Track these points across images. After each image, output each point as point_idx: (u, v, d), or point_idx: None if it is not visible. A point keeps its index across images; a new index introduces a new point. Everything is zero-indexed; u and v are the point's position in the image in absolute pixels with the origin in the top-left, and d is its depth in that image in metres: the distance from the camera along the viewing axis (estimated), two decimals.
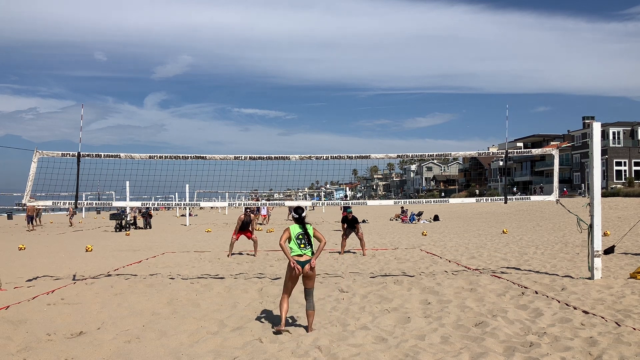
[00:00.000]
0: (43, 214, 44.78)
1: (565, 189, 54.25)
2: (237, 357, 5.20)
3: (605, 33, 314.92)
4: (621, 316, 6.39)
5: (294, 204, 14.29)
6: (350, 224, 14.64)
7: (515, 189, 64.62)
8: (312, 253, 6.01)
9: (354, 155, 10.46)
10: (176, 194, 30.43)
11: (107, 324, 6.52)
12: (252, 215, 14.52)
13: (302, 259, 5.95)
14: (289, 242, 6.00)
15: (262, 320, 6.69)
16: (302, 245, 5.96)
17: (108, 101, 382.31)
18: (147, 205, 26.10)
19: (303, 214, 6.04)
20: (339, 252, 14.51)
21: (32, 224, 28.44)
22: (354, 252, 14.69)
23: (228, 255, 13.94)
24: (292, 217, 6.14)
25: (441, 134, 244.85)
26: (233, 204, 13.63)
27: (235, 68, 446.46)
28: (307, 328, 6.09)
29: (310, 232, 6.01)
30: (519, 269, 10.64)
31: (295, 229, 6.02)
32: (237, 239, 14.17)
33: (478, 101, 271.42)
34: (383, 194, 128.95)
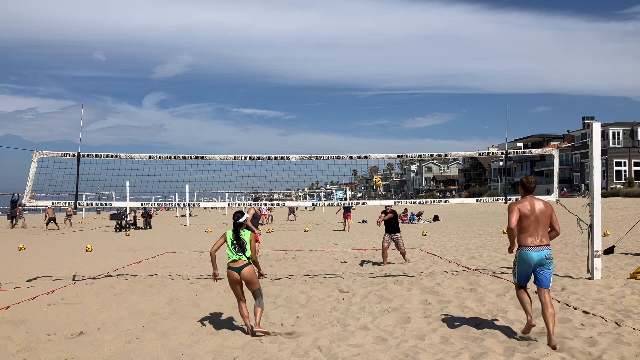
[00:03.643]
0: (40, 214, 44.84)
1: (565, 189, 54.25)
2: (237, 357, 5.20)
3: (605, 33, 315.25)
4: (621, 316, 6.39)
5: (294, 204, 14.24)
6: (392, 224, 11.96)
7: None
8: (248, 258, 5.91)
9: (354, 155, 10.47)
10: (176, 194, 30.44)
11: (107, 324, 6.52)
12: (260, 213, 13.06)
13: (237, 265, 5.87)
14: (226, 248, 5.97)
15: (262, 320, 6.67)
16: (236, 249, 5.90)
17: (107, 101, 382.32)
18: (146, 206, 26.18)
19: (239, 220, 5.97)
20: (382, 263, 11.88)
21: (48, 226, 28.93)
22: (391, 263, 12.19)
23: None
24: (233, 222, 6.04)
25: (441, 134, 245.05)
26: (233, 204, 13.62)
27: (235, 68, 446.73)
28: (253, 326, 5.90)
29: (247, 238, 5.94)
30: None
31: (230, 234, 5.97)
32: None
33: (478, 101, 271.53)
34: (383, 194, 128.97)
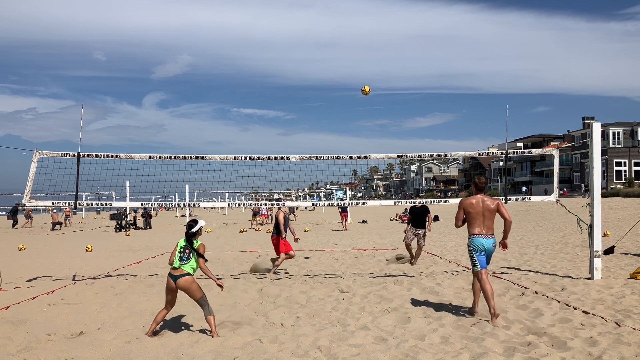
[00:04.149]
0: (43, 214, 44.92)
1: (565, 189, 54.26)
2: (237, 357, 5.20)
3: (605, 33, 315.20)
4: (621, 316, 6.39)
5: (294, 204, 14.19)
6: (419, 218, 11.58)
7: (524, 189, 64.47)
8: (193, 269, 5.85)
9: (354, 155, 10.47)
10: (176, 194, 30.43)
11: (107, 324, 6.52)
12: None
13: (176, 273, 5.81)
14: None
15: (262, 320, 6.68)
16: (182, 258, 5.83)
17: (107, 101, 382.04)
18: (146, 206, 26.24)
19: (191, 230, 5.89)
20: (410, 262, 11.62)
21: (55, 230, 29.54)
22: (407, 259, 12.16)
23: (273, 272, 10.52)
24: (185, 231, 5.98)
25: (441, 134, 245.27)
26: (233, 204, 13.60)
27: (235, 68, 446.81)
28: (211, 333, 5.90)
29: (195, 247, 5.87)
30: (519, 269, 10.64)
31: (181, 243, 5.93)
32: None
33: (478, 101, 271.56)
34: (383, 194, 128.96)
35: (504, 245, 6.74)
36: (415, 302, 7.55)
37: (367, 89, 10.08)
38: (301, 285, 9.03)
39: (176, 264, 5.83)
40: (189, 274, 5.83)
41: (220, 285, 5.98)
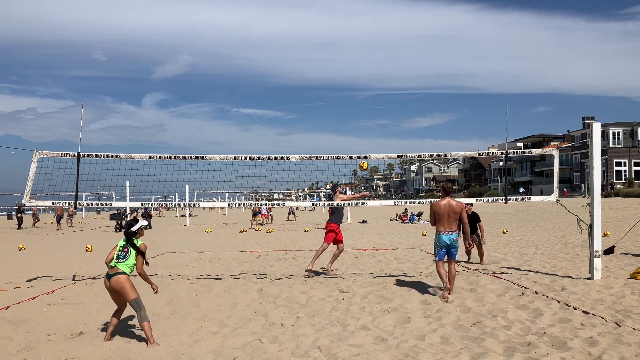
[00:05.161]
0: (43, 214, 44.92)
1: (565, 189, 54.25)
2: (237, 357, 5.20)
3: (604, 33, 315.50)
4: (621, 316, 6.39)
5: (294, 204, 14.20)
6: (472, 224, 11.38)
7: (522, 190, 64.46)
8: (129, 267, 5.67)
9: (354, 155, 10.47)
10: (176, 194, 30.41)
11: (107, 324, 6.51)
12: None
13: (111, 272, 5.62)
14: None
15: (262, 320, 6.68)
16: (119, 257, 5.68)
17: (107, 101, 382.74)
18: (147, 206, 26.28)
19: (131, 229, 5.74)
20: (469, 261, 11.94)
21: (60, 223, 29.88)
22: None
23: (309, 271, 10.30)
24: (124, 230, 5.84)
25: (441, 134, 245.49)
26: (233, 204, 13.58)
27: (235, 68, 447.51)
28: (146, 341, 5.63)
29: (132, 249, 5.70)
30: (519, 269, 10.64)
31: (121, 242, 5.79)
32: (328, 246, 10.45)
33: (478, 101, 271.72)
34: (383, 194, 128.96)
35: (469, 243, 9.78)
36: (415, 302, 7.55)
37: (364, 165, 10.39)
38: (301, 285, 9.03)
39: (113, 263, 5.68)
40: (123, 272, 5.64)
41: (154, 289, 5.87)
